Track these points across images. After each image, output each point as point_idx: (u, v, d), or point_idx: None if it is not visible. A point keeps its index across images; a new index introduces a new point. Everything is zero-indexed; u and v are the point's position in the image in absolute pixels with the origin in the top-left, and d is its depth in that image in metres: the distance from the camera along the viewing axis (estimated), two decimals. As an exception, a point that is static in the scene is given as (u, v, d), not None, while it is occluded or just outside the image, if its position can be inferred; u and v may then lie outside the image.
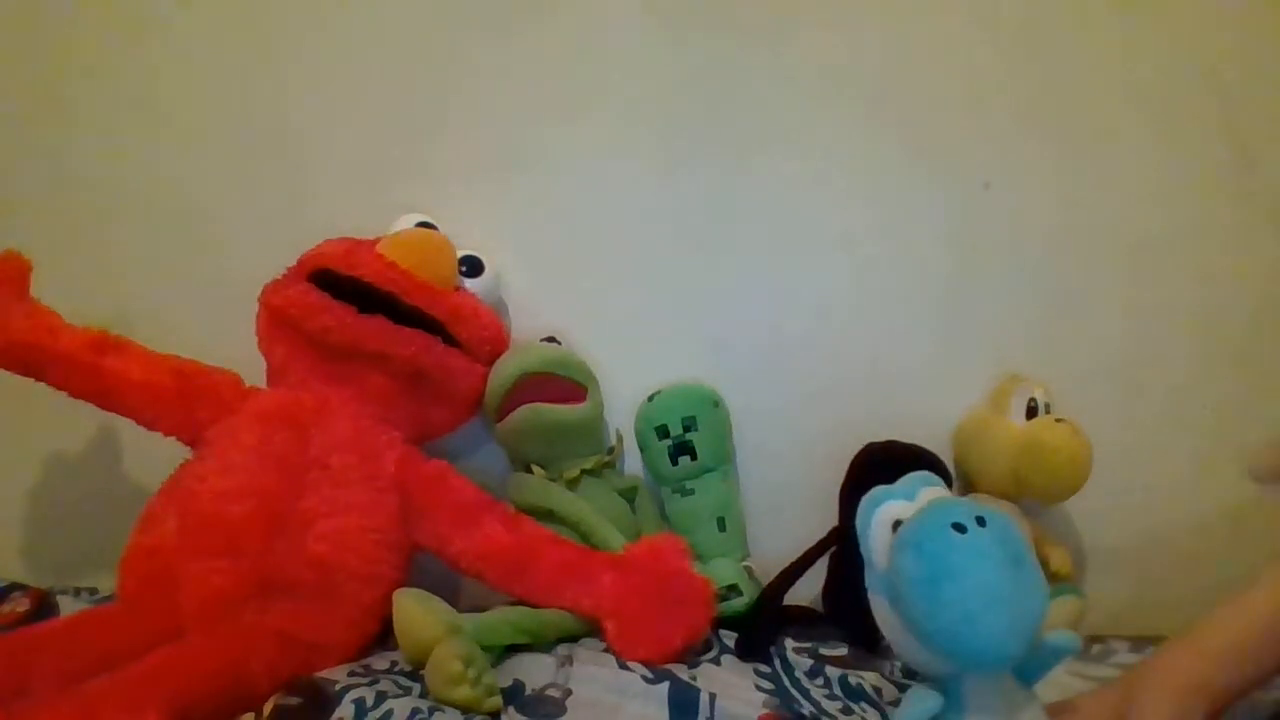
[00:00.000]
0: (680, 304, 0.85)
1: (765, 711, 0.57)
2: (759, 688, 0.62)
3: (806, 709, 0.60)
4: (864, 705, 0.61)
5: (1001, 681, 0.47)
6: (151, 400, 0.69)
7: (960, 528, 0.44)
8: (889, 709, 0.61)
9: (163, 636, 0.58)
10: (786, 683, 0.64)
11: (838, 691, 0.63)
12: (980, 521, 0.44)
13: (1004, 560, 0.44)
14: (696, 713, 0.56)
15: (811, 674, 0.65)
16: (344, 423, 0.68)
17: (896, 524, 0.48)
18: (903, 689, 0.64)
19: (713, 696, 0.58)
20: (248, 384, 0.72)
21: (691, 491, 0.79)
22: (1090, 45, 0.83)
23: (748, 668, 0.66)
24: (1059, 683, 0.64)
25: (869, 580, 0.50)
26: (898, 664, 0.67)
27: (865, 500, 0.51)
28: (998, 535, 0.44)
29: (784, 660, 0.68)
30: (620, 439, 0.82)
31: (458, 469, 0.73)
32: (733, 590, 0.73)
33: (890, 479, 0.73)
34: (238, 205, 0.85)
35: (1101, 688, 0.50)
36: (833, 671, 0.65)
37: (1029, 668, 0.48)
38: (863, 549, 0.50)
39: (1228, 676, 0.43)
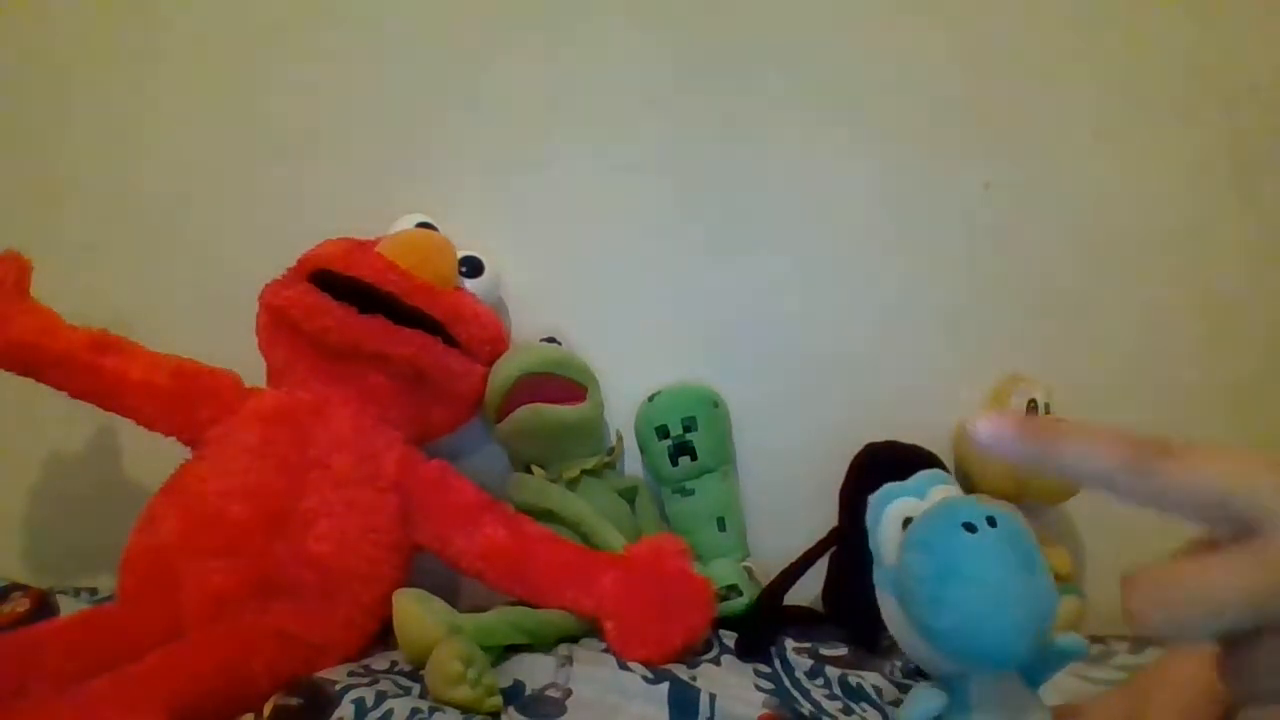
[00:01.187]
0: (680, 304, 0.85)
1: (765, 711, 0.57)
2: (759, 688, 0.62)
3: (806, 709, 0.60)
4: (864, 705, 0.61)
5: (1007, 682, 0.47)
6: (151, 400, 0.69)
7: (971, 527, 0.44)
8: (889, 709, 0.61)
9: (163, 636, 0.58)
10: (787, 683, 0.64)
11: (837, 691, 0.63)
12: (991, 521, 0.44)
13: (1014, 560, 0.43)
14: (696, 713, 0.56)
15: (811, 674, 0.65)
16: (344, 423, 0.68)
17: (907, 521, 0.48)
18: (903, 689, 0.64)
19: (713, 697, 0.58)
20: (248, 384, 0.72)
21: (691, 492, 0.79)
22: (1090, 45, 0.83)
23: (747, 668, 0.66)
24: (1058, 683, 0.64)
25: (877, 577, 0.50)
26: (898, 664, 0.67)
27: (875, 497, 0.51)
28: (1008, 535, 0.44)
29: (784, 660, 0.67)
30: (620, 439, 0.82)
31: (458, 469, 0.73)
32: (733, 590, 0.73)
33: (890, 479, 0.73)
34: (238, 205, 0.85)
35: (1108, 692, 0.50)
36: (833, 671, 0.65)
37: (1035, 670, 0.48)
38: (871, 545, 0.50)
39: None
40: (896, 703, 0.62)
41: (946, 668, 0.47)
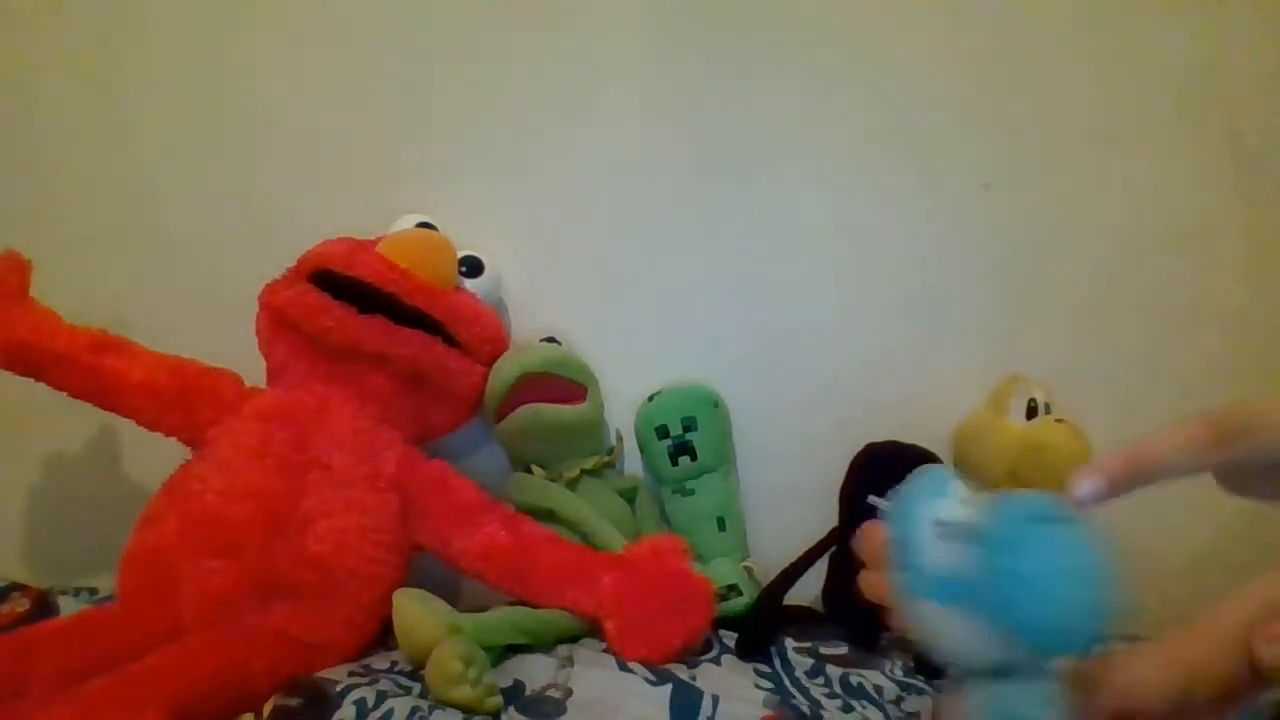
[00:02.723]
0: (680, 304, 0.85)
1: (767, 712, 0.57)
2: (759, 687, 0.62)
3: (805, 706, 0.60)
4: (865, 703, 0.61)
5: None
6: (151, 400, 0.69)
7: (1045, 518, 0.44)
8: (889, 707, 0.61)
9: (163, 636, 0.58)
10: (787, 682, 0.64)
11: (838, 690, 0.63)
12: (1062, 514, 0.44)
13: (1089, 546, 0.44)
14: (698, 713, 0.56)
15: (812, 673, 0.65)
16: (344, 423, 0.69)
17: (940, 523, 0.48)
18: (904, 687, 0.64)
19: (715, 698, 0.58)
20: (248, 384, 0.72)
21: (691, 491, 0.79)
22: (1090, 45, 0.83)
23: (748, 667, 0.66)
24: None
25: (911, 585, 0.49)
26: (898, 663, 0.67)
27: (898, 508, 0.50)
28: (1082, 525, 0.45)
29: (784, 659, 0.68)
30: (620, 439, 0.82)
31: (458, 469, 0.73)
32: (733, 590, 0.73)
33: (890, 479, 0.72)
34: (238, 205, 0.85)
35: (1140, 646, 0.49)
36: (833, 671, 0.66)
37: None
38: (901, 557, 0.49)
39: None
40: (897, 701, 0.62)
41: (1015, 658, 0.47)
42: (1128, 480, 0.32)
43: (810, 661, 0.67)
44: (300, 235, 0.72)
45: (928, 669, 0.67)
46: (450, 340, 0.72)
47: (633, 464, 0.84)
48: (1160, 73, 0.83)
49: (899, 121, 0.84)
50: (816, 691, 0.62)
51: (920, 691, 0.64)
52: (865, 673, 0.65)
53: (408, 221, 0.78)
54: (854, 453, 0.77)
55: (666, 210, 0.85)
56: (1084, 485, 0.33)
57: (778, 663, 0.67)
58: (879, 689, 0.63)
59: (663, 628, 0.65)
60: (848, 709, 0.60)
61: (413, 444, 0.73)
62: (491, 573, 0.69)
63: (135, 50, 0.85)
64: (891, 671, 0.66)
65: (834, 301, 0.85)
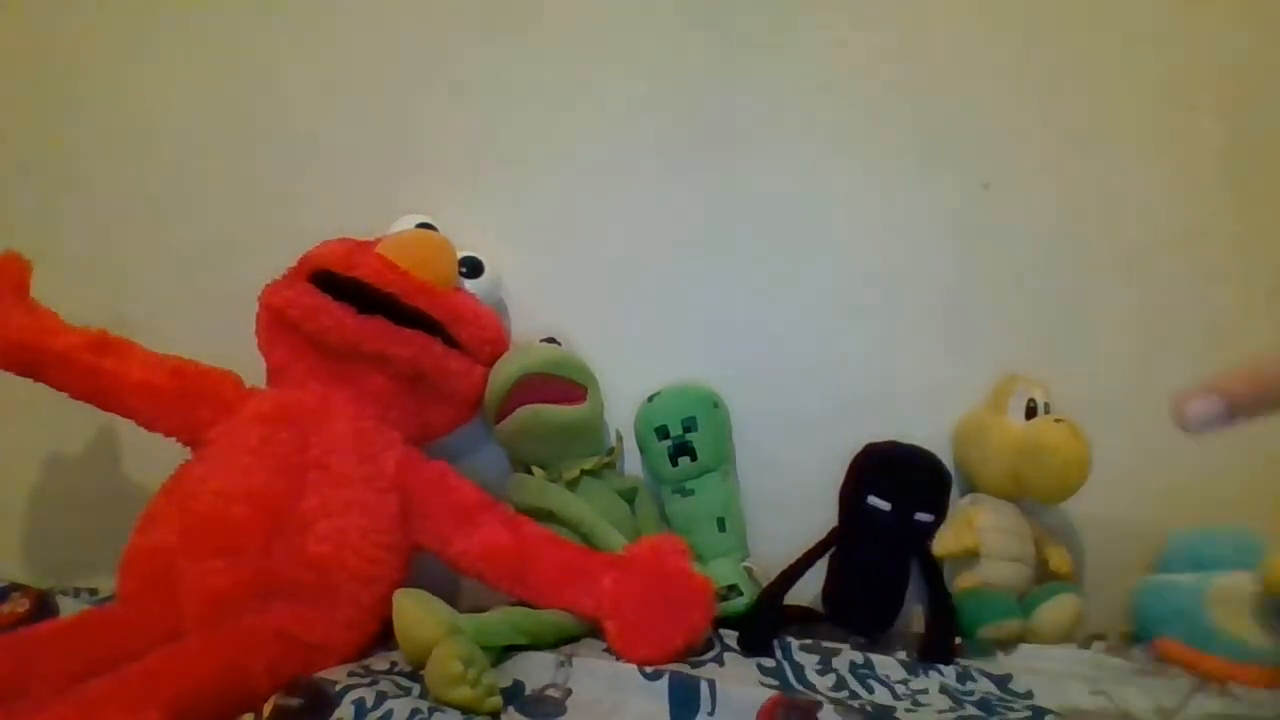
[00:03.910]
0: (680, 304, 0.85)
1: (775, 694, 0.57)
2: (763, 684, 0.62)
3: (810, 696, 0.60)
4: (873, 683, 0.62)
5: None
6: (151, 400, 0.69)
7: None
8: (897, 686, 0.62)
9: (163, 636, 0.58)
10: (791, 676, 0.64)
11: (846, 678, 0.64)
12: None
13: None
14: (698, 705, 0.56)
15: (819, 668, 0.66)
16: (344, 423, 0.68)
17: None
18: (910, 669, 0.65)
19: (712, 683, 0.58)
20: (248, 384, 0.72)
21: (691, 492, 0.79)
22: (1091, 45, 0.83)
23: (750, 663, 0.66)
24: (1059, 687, 0.64)
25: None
26: (899, 653, 0.68)
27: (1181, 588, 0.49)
28: None
29: (785, 651, 0.68)
30: (620, 439, 0.82)
31: (458, 469, 0.73)
32: (733, 590, 0.73)
33: (890, 479, 0.73)
34: (237, 206, 0.85)
35: None
36: (839, 662, 0.66)
37: None
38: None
39: None
40: (904, 682, 0.63)
41: None
42: (1252, 404, 0.28)
43: (814, 657, 0.67)
44: (300, 235, 0.72)
45: (932, 656, 0.68)
46: (450, 341, 0.72)
47: (633, 464, 0.84)
48: (1161, 73, 0.83)
49: (899, 122, 0.84)
50: (821, 685, 0.63)
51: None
52: (874, 657, 0.67)
53: (408, 221, 0.77)
54: (854, 453, 0.77)
55: (667, 210, 0.85)
56: (1199, 405, 0.28)
57: (779, 652, 0.68)
58: (888, 675, 0.65)
59: (663, 628, 0.65)
60: (854, 697, 0.61)
61: (413, 444, 0.73)
62: (491, 573, 0.69)
63: (138, 52, 0.85)
64: (897, 655, 0.67)
65: (834, 301, 0.85)
